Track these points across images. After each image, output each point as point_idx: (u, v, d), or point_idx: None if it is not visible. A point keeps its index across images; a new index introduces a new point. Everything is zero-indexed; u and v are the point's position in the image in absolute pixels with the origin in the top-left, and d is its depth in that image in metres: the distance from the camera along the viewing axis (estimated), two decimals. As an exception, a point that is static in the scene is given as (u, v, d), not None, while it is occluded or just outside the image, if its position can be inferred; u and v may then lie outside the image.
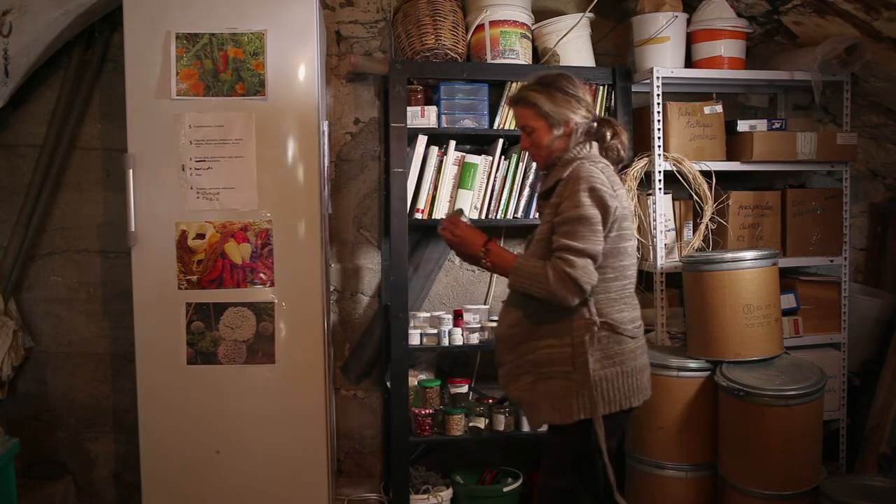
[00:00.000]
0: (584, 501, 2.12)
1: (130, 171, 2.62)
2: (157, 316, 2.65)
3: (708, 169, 3.00)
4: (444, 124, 3.04)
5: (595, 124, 2.18)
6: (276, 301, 2.68)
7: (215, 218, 2.65)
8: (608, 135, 2.16)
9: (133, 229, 2.63)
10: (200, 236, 2.65)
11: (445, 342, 3.03)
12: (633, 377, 2.11)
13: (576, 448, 2.10)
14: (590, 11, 3.12)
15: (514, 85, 3.06)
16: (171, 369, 2.65)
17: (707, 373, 2.70)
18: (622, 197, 2.10)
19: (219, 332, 2.66)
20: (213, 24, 2.65)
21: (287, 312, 2.69)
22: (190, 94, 2.63)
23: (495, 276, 3.38)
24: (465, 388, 3.08)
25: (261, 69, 2.65)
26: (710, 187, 2.99)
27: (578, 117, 2.14)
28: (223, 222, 2.65)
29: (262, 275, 2.67)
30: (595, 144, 2.18)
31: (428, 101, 3.11)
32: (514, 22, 3.07)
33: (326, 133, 2.93)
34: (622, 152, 2.19)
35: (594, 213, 2.00)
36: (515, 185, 3.08)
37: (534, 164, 3.08)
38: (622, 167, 3.09)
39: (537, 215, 3.09)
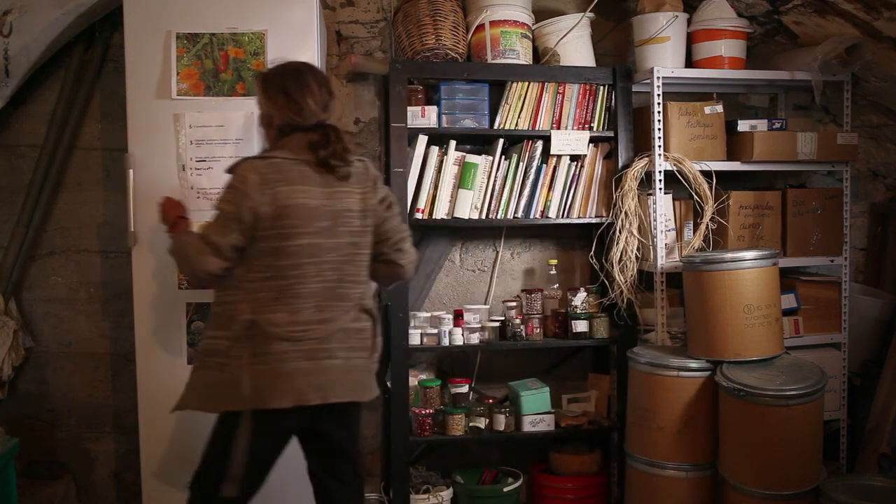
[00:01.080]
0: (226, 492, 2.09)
1: (131, 171, 2.62)
2: (157, 316, 2.64)
3: (708, 169, 3.00)
4: (444, 124, 3.04)
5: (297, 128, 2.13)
6: None
7: None
8: (319, 145, 2.11)
9: (133, 229, 2.63)
10: None
11: (445, 342, 3.03)
12: (284, 379, 2.06)
13: (223, 438, 2.11)
14: (590, 11, 3.12)
15: (515, 85, 3.07)
16: (172, 369, 2.64)
17: (707, 373, 2.70)
18: (295, 196, 2.05)
19: None
20: (214, 23, 2.65)
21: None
22: (190, 93, 2.63)
23: (495, 275, 3.39)
24: (465, 388, 3.08)
25: (261, 69, 2.64)
26: (711, 187, 2.99)
27: (279, 115, 2.12)
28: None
29: None
30: (293, 144, 2.12)
31: (428, 101, 3.11)
32: (515, 22, 3.06)
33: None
34: (335, 161, 2.11)
35: (225, 207, 2.05)
36: (516, 185, 3.08)
37: (534, 164, 3.08)
38: (623, 167, 3.09)
39: (538, 214, 3.11)
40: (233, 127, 2.65)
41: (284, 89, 2.11)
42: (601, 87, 3.14)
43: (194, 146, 2.63)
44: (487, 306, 3.29)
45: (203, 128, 2.63)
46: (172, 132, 2.62)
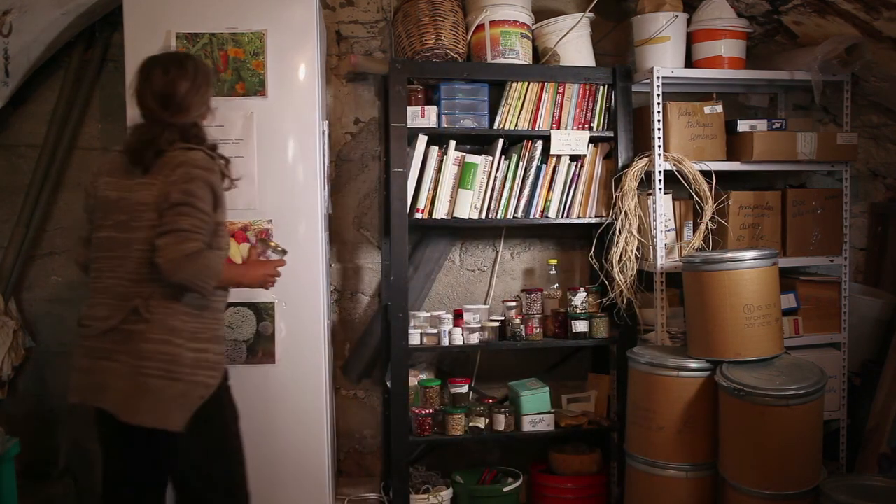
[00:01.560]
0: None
1: None
2: None
3: (708, 169, 3.00)
4: (444, 124, 3.04)
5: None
6: (277, 300, 2.68)
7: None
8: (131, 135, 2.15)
9: None
10: None
11: (445, 342, 3.03)
12: (74, 374, 2.09)
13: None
14: (590, 11, 3.12)
15: (515, 85, 3.07)
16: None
17: (707, 373, 2.70)
18: (100, 187, 2.09)
19: None
20: (214, 23, 2.65)
21: (287, 312, 2.69)
22: None
23: (495, 275, 3.39)
24: (465, 388, 3.08)
25: (261, 69, 2.64)
26: (711, 187, 2.99)
27: None
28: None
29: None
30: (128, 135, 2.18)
31: (428, 101, 3.11)
32: (515, 22, 3.06)
33: (326, 133, 2.93)
34: (132, 151, 2.07)
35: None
36: (516, 185, 3.08)
37: (534, 164, 3.08)
38: (623, 167, 3.09)
39: (538, 214, 3.11)
40: (233, 127, 2.65)
41: (134, 78, 2.12)
42: (601, 87, 3.14)
43: None
44: (487, 306, 3.29)
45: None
46: None
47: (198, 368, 2.03)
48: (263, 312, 2.68)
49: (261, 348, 2.69)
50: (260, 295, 2.65)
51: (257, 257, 2.30)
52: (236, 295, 2.57)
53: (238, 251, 2.64)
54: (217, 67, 2.63)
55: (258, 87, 2.65)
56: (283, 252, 2.31)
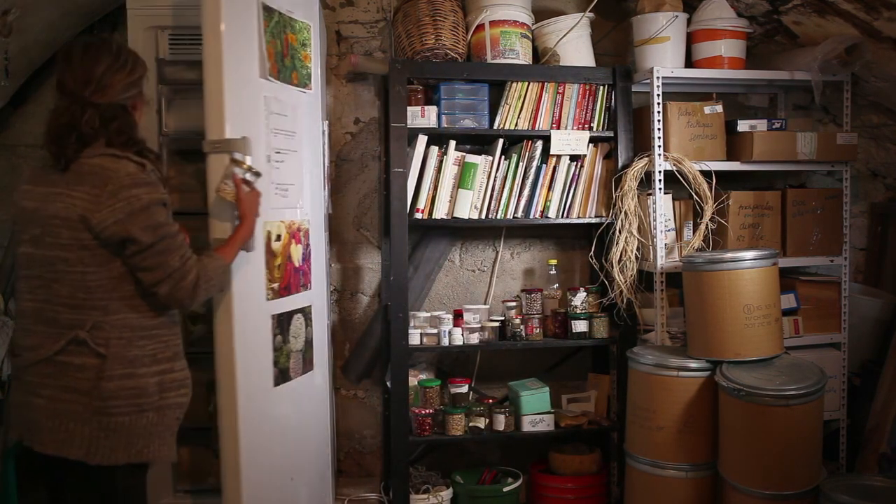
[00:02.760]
0: None
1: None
2: (244, 333, 2.22)
3: (708, 169, 3.00)
4: (444, 124, 3.04)
5: None
6: (312, 304, 2.52)
7: (288, 217, 2.40)
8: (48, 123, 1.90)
9: None
10: (278, 238, 2.34)
11: (445, 342, 3.03)
12: (11, 410, 1.91)
13: None
14: (590, 11, 3.12)
15: (515, 85, 3.07)
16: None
17: (707, 373, 2.70)
18: (19, 196, 1.88)
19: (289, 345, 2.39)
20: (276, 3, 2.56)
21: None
22: (271, 76, 2.33)
23: (495, 275, 3.39)
24: (465, 388, 3.08)
25: (308, 62, 2.56)
26: (711, 187, 2.99)
27: None
28: (290, 222, 2.40)
29: (310, 277, 2.48)
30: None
31: (428, 101, 3.11)
32: (515, 22, 3.06)
33: (326, 133, 2.92)
34: (51, 148, 1.86)
35: None
36: (515, 185, 3.08)
37: (534, 164, 3.08)
38: (623, 167, 3.09)
39: (538, 214, 3.11)
40: (294, 119, 2.43)
41: (57, 64, 1.93)
42: (601, 87, 3.14)
43: (273, 135, 2.33)
44: (487, 306, 3.29)
45: (278, 115, 2.35)
46: (262, 117, 2.29)
47: (165, 392, 1.89)
48: (308, 317, 2.49)
49: (308, 356, 2.51)
50: (306, 300, 2.49)
51: (244, 188, 2.11)
52: (291, 304, 2.40)
53: (297, 252, 2.46)
54: (283, 51, 2.39)
55: (306, 81, 2.50)
56: (258, 174, 2.15)
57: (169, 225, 1.87)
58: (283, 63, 2.38)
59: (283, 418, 2.37)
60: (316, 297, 2.56)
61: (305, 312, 2.48)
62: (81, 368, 1.80)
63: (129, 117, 1.93)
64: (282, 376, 2.35)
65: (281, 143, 2.35)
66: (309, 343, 2.51)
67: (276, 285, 2.32)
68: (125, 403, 1.82)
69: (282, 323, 2.35)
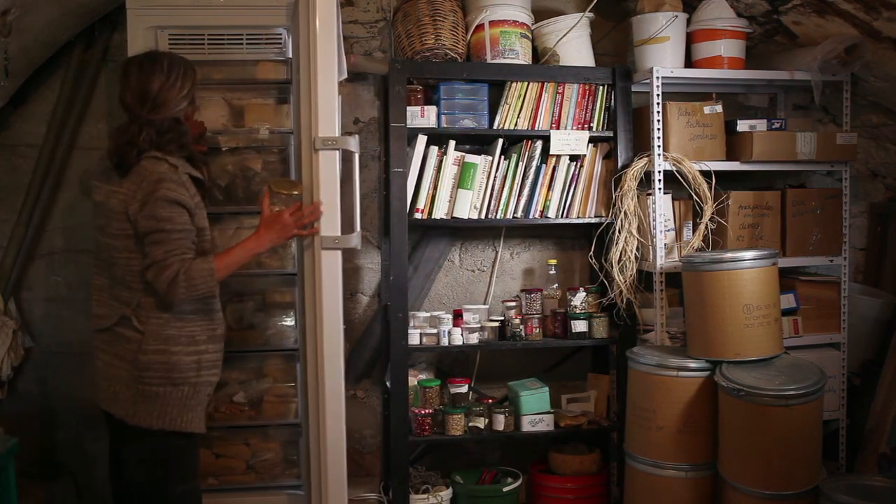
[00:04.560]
0: None
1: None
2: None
3: (708, 169, 3.00)
4: (443, 124, 3.04)
5: None
6: None
7: None
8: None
9: None
10: None
11: (445, 342, 3.03)
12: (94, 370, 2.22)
13: None
14: (590, 11, 3.12)
15: (514, 85, 3.07)
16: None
17: (707, 373, 2.70)
18: (93, 189, 2.17)
19: None
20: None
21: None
22: None
23: (495, 275, 3.39)
24: (464, 388, 3.08)
25: None
26: (710, 187, 2.99)
27: None
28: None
29: None
30: None
31: (428, 101, 3.11)
32: (514, 22, 3.06)
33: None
34: (112, 157, 2.12)
35: None
36: (515, 185, 3.08)
37: (534, 164, 3.08)
38: (622, 167, 3.10)
39: (538, 214, 3.11)
40: None
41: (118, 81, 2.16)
42: (601, 87, 3.14)
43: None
44: (487, 306, 3.29)
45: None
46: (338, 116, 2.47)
47: (201, 370, 2.12)
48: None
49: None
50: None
51: (270, 210, 2.27)
52: None
53: None
54: None
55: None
56: (294, 195, 2.29)
57: (169, 221, 2.02)
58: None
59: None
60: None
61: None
62: (129, 340, 2.07)
63: (182, 127, 2.14)
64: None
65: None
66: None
67: None
68: (158, 376, 2.05)
69: None
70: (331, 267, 2.26)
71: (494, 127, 3.08)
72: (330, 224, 2.25)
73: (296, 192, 2.31)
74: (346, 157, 3.30)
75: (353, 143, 2.33)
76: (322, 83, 2.23)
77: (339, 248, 2.26)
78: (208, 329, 2.15)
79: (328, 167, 2.26)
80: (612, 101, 3.15)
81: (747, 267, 2.68)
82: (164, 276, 2.01)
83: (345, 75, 2.56)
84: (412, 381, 3.11)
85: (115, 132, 2.12)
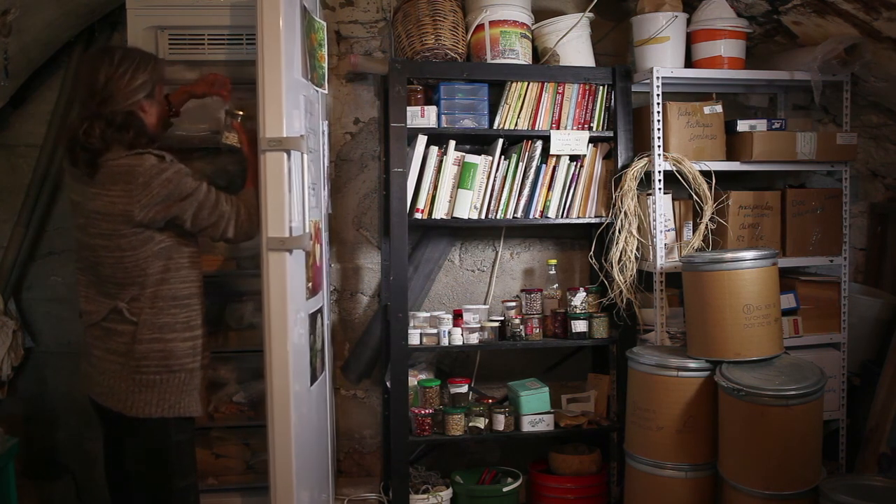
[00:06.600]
0: None
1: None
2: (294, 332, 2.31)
3: (708, 169, 3.00)
4: (443, 124, 3.04)
5: None
6: (323, 304, 2.62)
7: (314, 216, 2.48)
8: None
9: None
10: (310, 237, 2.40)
11: (445, 342, 3.03)
12: (81, 361, 2.27)
13: None
14: (590, 11, 3.12)
15: (514, 85, 3.07)
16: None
17: (707, 373, 2.70)
18: (68, 189, 2.22)
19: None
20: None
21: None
22: None
23: (495, 275, 3.39)
24: (464, 388, 3.08)
25: (323, 61, 2.58)
26: (710, 187, 2.99)
27: None
28: (315, 220, 2.48)
29: (322, 276, 2.56)
30: None
31: (428, 101, 3.11)
32: (514, 22, 3.06)
33: (326, 133, 2.92)
34: (71, 159, 2.10)
35: None
36: (515, 185, 3.08)
37: (534, 164, 3.08)
38: (622, 167, 3.10)
39: (538, 214, 3.11)
40: (317, 118, 2.57)
41: None
42: (601, 87, 3.14)
43: (310, 134, 2.46)
44: (487, 306, 3.29)
45: (310, 115, 2.49)
46: (303, 116, 2.41)
47: (196, 355, 2.16)
48: (323, 316, 2.62)
49: (323, 356, 2.60)
50: (320, 299, 2.57)
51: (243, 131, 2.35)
52: (315, 303, 2.48)
53: (318, 252, 2.54)
54: (310, 51, 2.48)
55: (322, 80, 2.55)
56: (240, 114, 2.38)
57: (198, 186, 2.08)
58: (311, 63, 2.46)
59: (310, 418, 2.45)
60: (323, 297, 2.62)
61: (321, 312, 2.58)
62: (121, 334, 2.08)
63: (139, 120, 2.10)
64: (313, 375, 2.44)
65: (311, 143, 2.46)
66: (324, 342, 2.60)
67: (310, 284, 2.41)
68: (155, 364, 2.08)
69: (313, 322, 2.44)
70: (277, 268, 2.17)
71: (494, 127, 3.08)
72: (276, 225, 2.16)
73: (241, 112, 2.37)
74: (345, 158, 3.31)
75: (301, 144, 2.20)
76: (269, 84, 2.14)
77: (286, 250, 2.17)
78: (199, 314, 2.19)
79: (274, 168, 2.16)
80: (612, 101, 3.15)
81: (747, 267, 2.68)
82: (243, 219, 2.13)
83: (323, 86, 2.52)
84: (412, 381, 3.11)
85: (67, 128, 2.13)
